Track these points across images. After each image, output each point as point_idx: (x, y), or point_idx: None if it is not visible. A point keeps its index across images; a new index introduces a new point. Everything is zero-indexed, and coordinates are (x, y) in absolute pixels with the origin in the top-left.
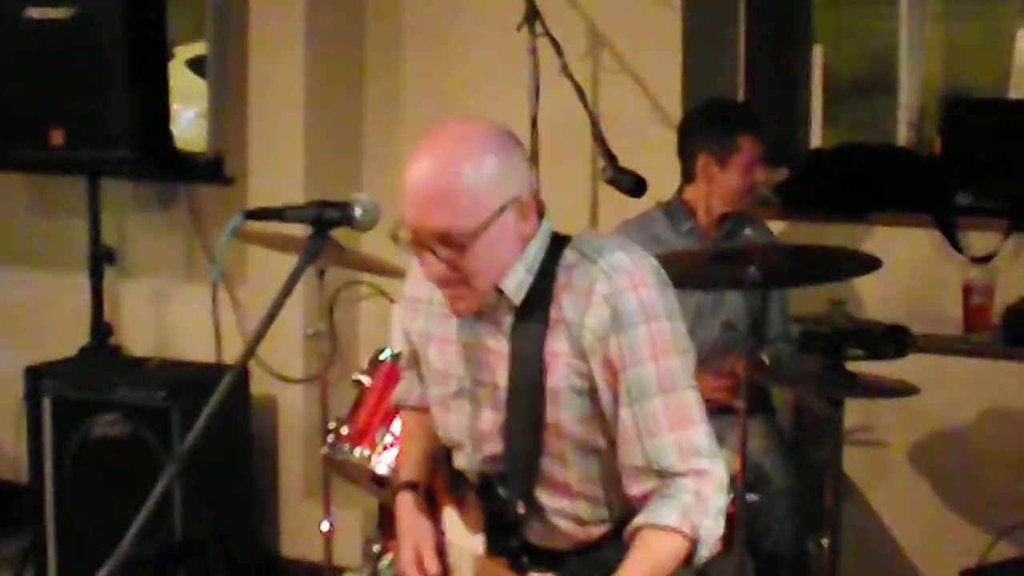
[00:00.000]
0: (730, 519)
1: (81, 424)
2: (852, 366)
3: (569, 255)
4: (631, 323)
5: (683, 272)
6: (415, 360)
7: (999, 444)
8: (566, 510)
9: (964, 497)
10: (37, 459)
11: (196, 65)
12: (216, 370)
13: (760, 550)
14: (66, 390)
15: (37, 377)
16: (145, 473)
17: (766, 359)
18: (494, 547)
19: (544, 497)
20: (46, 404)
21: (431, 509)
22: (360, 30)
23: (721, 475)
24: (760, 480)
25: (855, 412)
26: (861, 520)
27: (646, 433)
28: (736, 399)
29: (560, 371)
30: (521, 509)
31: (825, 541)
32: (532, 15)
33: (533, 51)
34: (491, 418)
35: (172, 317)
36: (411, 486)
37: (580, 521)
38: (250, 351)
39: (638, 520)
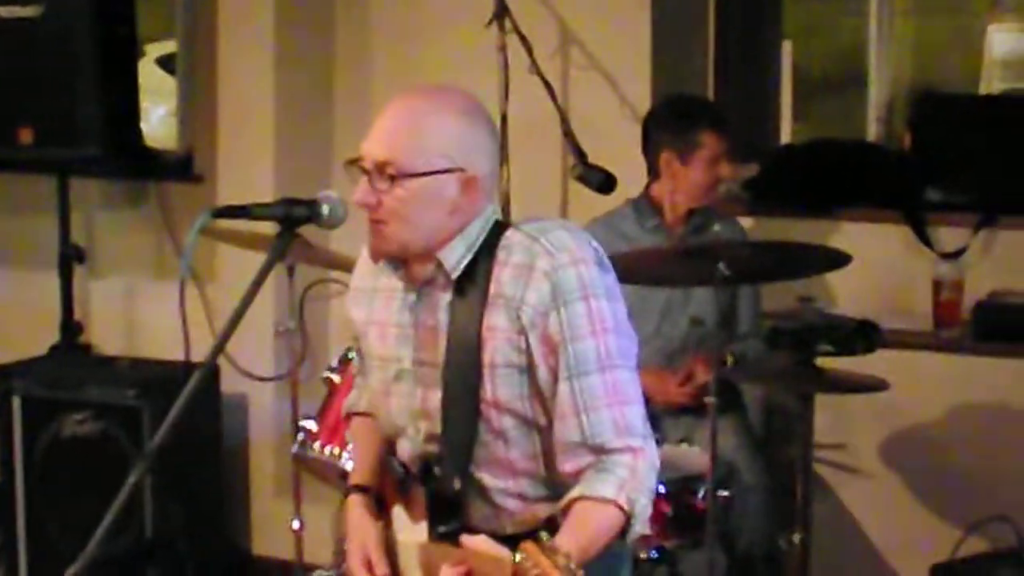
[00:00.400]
0: (701, 515)
1: (51, 423)
2: (822, 362)
3: (511, 235)
4: (571, 299)
5: (652, 268)
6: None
7: (969, 439)
8: (510, 489)
9: (934, 492)
10: (7, 458)
11: (166, 63)
12: (186, 368)
13: (734, 547)
14: (36, 389)
15: (7, 376)
16: (115, 472)
17: (729, 358)
18: (436, 530)
19: (488, 477)
20: (16, 403)
21: (380, 512)
22: (329, 28)
23: (654, 456)
24: (732, 477)
25: (825, 408)
26: (832, 516)
27: (583, 408)
28: (697, 402)
29: (498, 347)
30: (457, 485)
31: (796, 538)
32: (501, 12)
33: (502, 48)
34: (431, 397)
35: (142, 316)
36: (360, 489)
37: (524, 498)
38: (219, 349)
39: (574, 492)
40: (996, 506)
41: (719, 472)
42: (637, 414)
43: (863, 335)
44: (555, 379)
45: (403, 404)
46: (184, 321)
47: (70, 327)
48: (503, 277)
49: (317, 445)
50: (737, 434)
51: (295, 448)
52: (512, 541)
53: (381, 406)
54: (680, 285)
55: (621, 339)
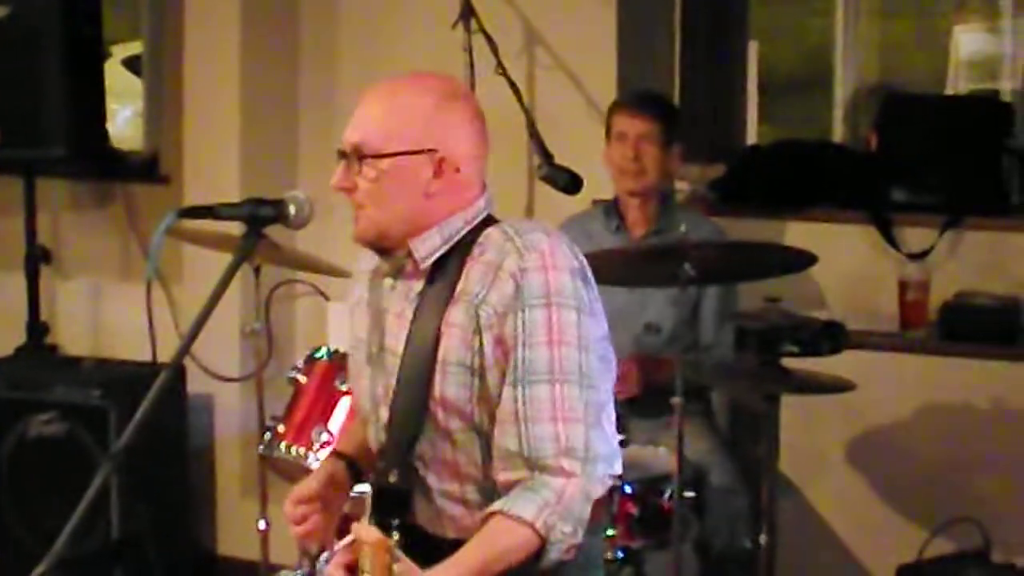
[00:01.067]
0: (667, 515)
1: (17, 423)
2: (788, 362)
3: (490, 231)
4: (533, 304)
5: (616, 269)
6: None
7: (935, 440)
8: (454, 492)
9: (901, 493)
10: None
11: (132, 64)
12: (152, 369)
13: (709, 549)
14: (2, 390)
15: None
16: (81, 472)
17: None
18: (377, 523)
19: (433, 478)
20: None
21: (350, 480)
22: (295, 28)
23: (589, 486)
24: (704, 480)
25: (791, 409)
26: (798, 517)
27: (525, 417)
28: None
29: (452, 344)
30: (393, 478)
31: (763, 539)
32: (467, 13)
33: (468, 49)
34: (388, 384)
35: (108, 316)
36: (338, 454)
37: (467, 504)
38: (185, 349)
39: (495, 505)
40: (963, 507)
41: (687, 474)
42: (582, 436)
43: (829, 336)
44: (501, 380)
45: (367, 387)
46: (151, 322)
47: (36, 328)
48: (472, 273)
49: (283, 445)
50: (706, 436)
51: (261, 448)
52: (454, 547)
53: (355, 387)
54: (644, 286)
55: (585, 356)
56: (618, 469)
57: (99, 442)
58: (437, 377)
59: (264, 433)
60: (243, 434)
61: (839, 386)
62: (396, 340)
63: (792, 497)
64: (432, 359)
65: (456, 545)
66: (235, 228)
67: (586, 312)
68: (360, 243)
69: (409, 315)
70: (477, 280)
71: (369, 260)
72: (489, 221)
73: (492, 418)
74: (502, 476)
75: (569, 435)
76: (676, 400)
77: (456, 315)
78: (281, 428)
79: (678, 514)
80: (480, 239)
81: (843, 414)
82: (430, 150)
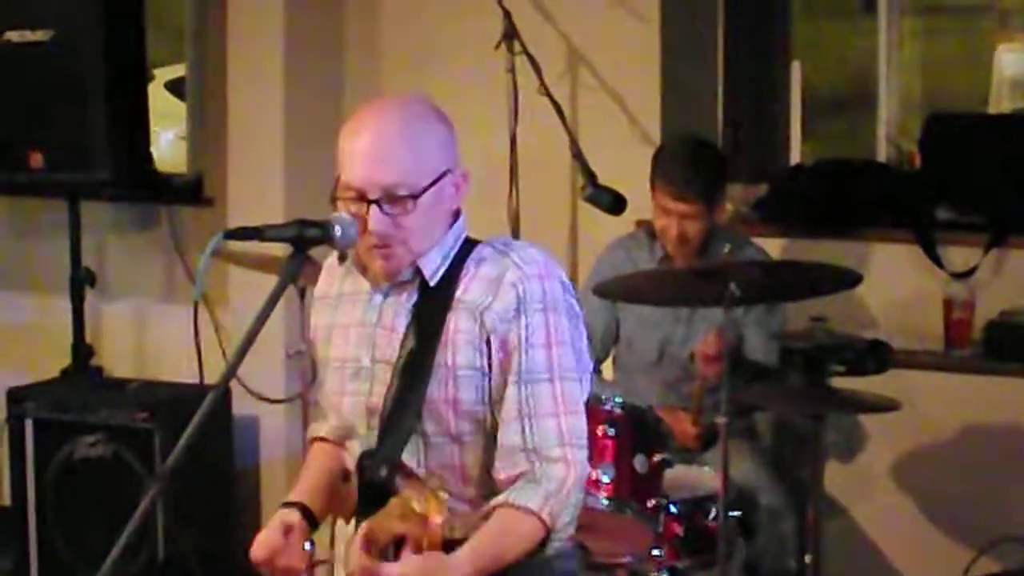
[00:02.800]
0: (712, 536)
1: (63, 446)
2: (833, 382)
3: (481, 248)
4: (533, 309)
5: (661, 289)
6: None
7: (980, 459)
8: (461, 494)
9: (946, 512)
10: (19, 481)
11: (175, 87)
12: (197, 391)
13: (755, 570)
14: (48, 412)
15: (19, 399)
16: (127, 494)
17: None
18: (359, 518)
19: (435, 481)
20: (28, 426)
21: (309, 528)
22: (338, 50)
23: (584, 470)
24: (752, 501)
25: (836, 428)
26: (844, 537)
27: (529, 414)
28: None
29: (461, 349)
30: (383, 472)
31: (808, 558)
32: (510, 34)
33: (511, 70)
34: (381, 393)
35: (153, 338)
36: (290, 504)
37: (474, 505)
38: (231, 371)
39: (499, 498)
40: (1008, 527)
41: (731, 493)
42: (580, 426)
43: (874, 355)
44: (506, 384)
45: (357, 402)
46: (198, 342)
47: (81, 350)
48: (471, 286)
49: None
50: (751, 457)
51: None
52: (460, 545)
53: (336, 408)
54: (689, 306)
55: (576, 354)
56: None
57: (144, 464)
58: (446, 380)
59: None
60: (288, 455)
61: (884, 405)
62: (390, 350)
63: (838, 517)
64: (430, 364)
65: (463, 543)
66: (280, 250)
67: (573, 316)
68: (392, 278)
69: (402, 326)
70: (479, 291)
71: (332, 286)
72: (470, 241)
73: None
74: (503, 474)
75: (571, 425)
76: (721, 420)
77: (460, 322)
78: None
79: (723, 534)
80: (472, 255)
81: (888, 433)
82: (449, 170)
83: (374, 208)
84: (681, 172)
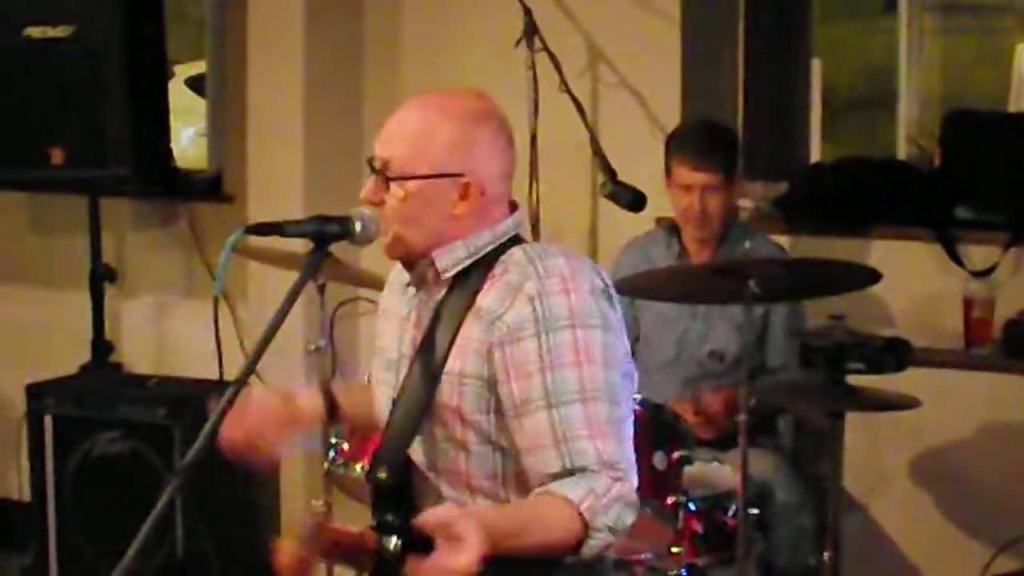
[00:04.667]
0: (732, 533)
1: (82, 442)
2: (852, 380)
3: (513, 251)
4: (557, 326)
5: (680, 286)
6: None
7: (1000, 457)
8: (466, 502)
9: (965, 510)
10: (39, 477)
11: (195, 84)
12: (217, 387)
13: (773, 567)
14: (67, 408)
15: (38, 395)
16: (146, 490)
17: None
18: (377, 522)
19: (446, 487)
20: (47, 422)
21: (319, 410)
22: (358, 47)
23: (633, 495)
24: (769, 498)
25: (855, 426)
26: (863, 534)
27: (563, 438)
28: (716, 433)
29: (469, 357)
30: (383, 475)
31: (827, 556)
32: (531, 31)
33: (532, 67)
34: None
35: (173, 335)
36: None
37: None
38: (251, 367)
39: (540, 489)
40: None
41: (750, 490)
42: (620, 450)
43: (894, 353)
44: (520, 403)
45: (385, 393)
46: (218, 338)
47: (101, 346)
48: (491, 291)
49: (347, 462)
50: (770, 454)
51: (326, 465)
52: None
53: (376, 395)
54: (708, 303)
55: (610, 373)
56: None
57: (164, 460)
58: (454, 388)
59: (328, 450)
60: (308, 451)
61: (904, 403)
62: (412, 348)
63: (856, 514)
64: (440, 368)
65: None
66: (300, 246)
67: (610, 330)
68: (389, 257)
69: (424, 325)
70: (496, 298)
71: (395, 272)
72: (516, 240)
73: (507, 434)
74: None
75: (607, 449)
76: (741, 418)
77: (473, 329)
78: (345, 445)
79: (742, 532)
80: (503, 258)
81: (907, 431)
82: (457, 174)
83: (372, 177)
84: (698, 143)
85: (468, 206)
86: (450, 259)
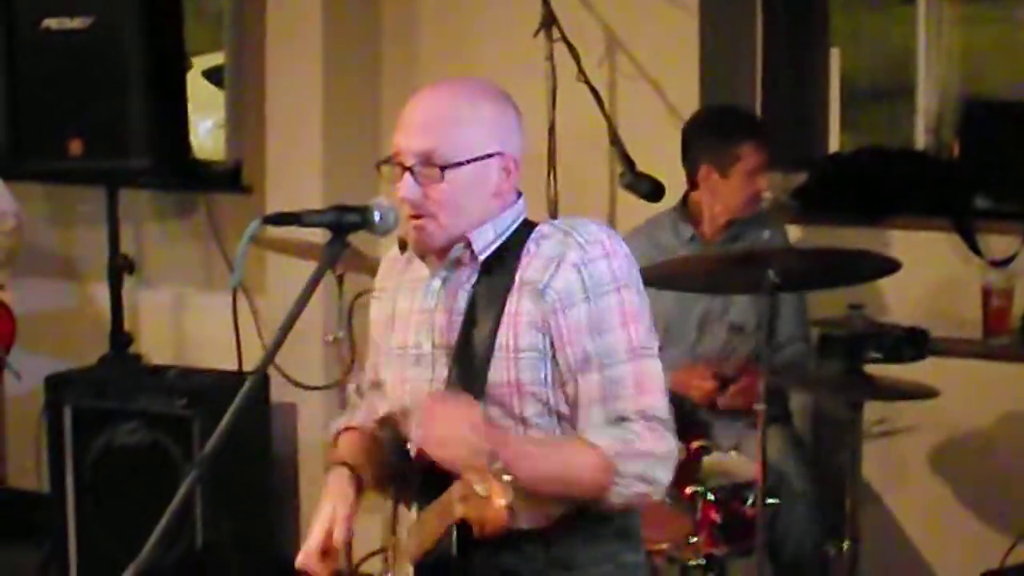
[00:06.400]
0: (750, 523)
1: (101, 433)
2: (871, 369)
3: (543, 227)
4: (603, 291)
5: (698, 276)
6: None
7: (1018, 446)
8: None
9: (984, 500)
10: (58, 468)
11: (213, 75)
12: (236, 378)
13: (781, 555)
14: (86, 399)
15: (58, 386)
16: (165, 481)
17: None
18: (422, 506)
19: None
20: (67, 413)
21: (359, 489)
22: (377, 39)
23: (671, 448)
24: (780, 485)
25: (874, 416)
26: (881, 524)
27: (611, 397)
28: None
29: (522, 331)
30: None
31: (845, 545)
32: (549, 21)
33: (550, 57)
34: (441, 377)
35: (191, 326)
36: (345, 464)
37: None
38: (269, 358)
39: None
40: None
41: (768, 480)
42: (663, 405)
43: (912, 342)
44: (577, 367)
45: (418, 388)
46: (236, 328)
47: (120, 337)
48: (531, 265)
49: None
50: (784, 442)
51: None
52: (523, 536)
53: (394, 397)
54: (727, 293)
55: (651, 331)
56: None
57: (183, 451)
58: (508, 364)
59: None
60: (326, 442)
61: (922, 393)
62: (450, 335)
63: (873, 503)
64: (491, 346)
65: (525, 535)
66: (318, 236)
67: (642, 291)
68: (424, 252)
69: (462, 308)
70: (538, 271)
71: (392, 277)
72: (528, 223)
73: (565, 399)
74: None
75: (652, 404)
76: (759, 407)
77: (522, 303)
78: None
79: (761, 521)
80: (534, 235)
81: (926, 421)
82: (498, 153)
83: (407, 175)
84: (760, 125)
85: (509, 182)
86: (484, 240)
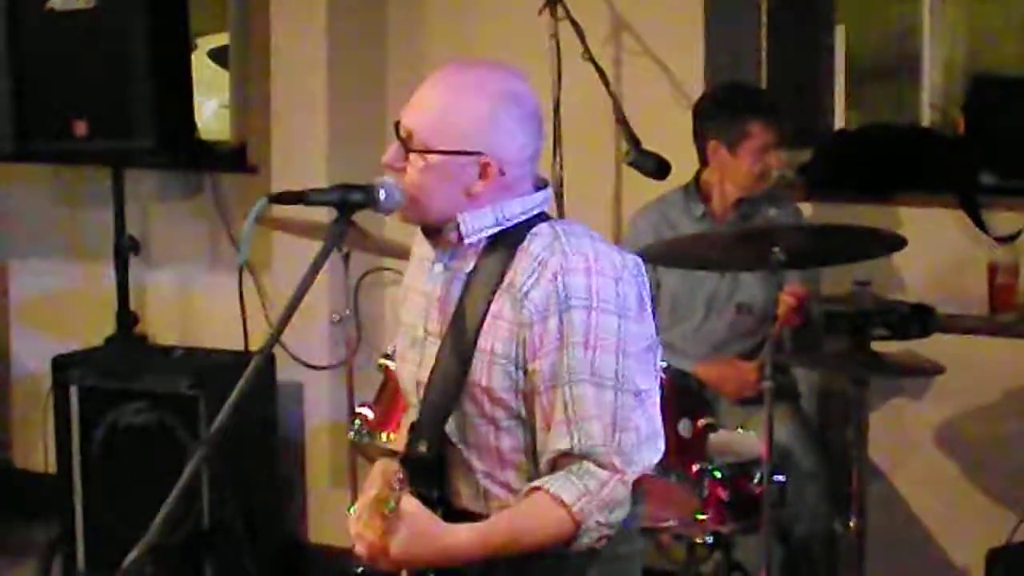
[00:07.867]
0: (757, 500)
1: (108, 413)
2: (877, 346)
3: (542, 226)
4: (574, 305)
5: (706, 253)
6: None
7: None
8: (496, 476)
9: (990, 477)
10: (64, 448)
11: (217, 56)
12: (242, 357)
13: (791, 535)
14: (92, 379)
15: (64, 367)
16: (172, 461)
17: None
18: (415, 496)
19: (475, 460)
20: (73, 393)
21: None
22: (382, 17)
23: (626, 493)
24: (789, 464)
25: (880, 393)
26: (887, 501)
27: (574, 416)
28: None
29: (499, 336)
30: (423, 448)
31: (852, 523)
32: (554, 0)
33: (555, 35)
34: (430, 366)
35: (197, 306)
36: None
37: (510, 489)
38: (275, 338)
39: (537, 481)
40: None
41: (776, 459)
42: (629, 440)
43: (918, 319)
44: (542, 382)
45: (411, 372)
46: (243, 307)
47: (126, 317)
48: (519, 265)
49: (373, 432)
50: (792, 420)
51: (351, 436)
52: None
53: (397, 373)
54: (734, 270)
55: (623, 361)
56: (658, 457)
57: (189, 431)
58: (484, 366)
59: (354, 420)
60: (333, 422)
61: (928, 369)
62: (440, 324)
63: (880, 481)
64: (473, 345)
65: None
66: (324, 215)
67: (629, 318)
68: (402, 220)
69: (455, 298)
70: (523, 273)
71: (420, 245)
72: (543, 217)
73: (533, 412)
74: (546, 469)
75: (614, 438)
76: (766, 384)
77: (503, 307)
78: (371, 415)
79: (768, 499)
80: (532, 230)
81: (932, 398)
82: (477, 153)
83: (396, 143)
84: (767, 102)
85: (486, 185)
86: (476, 224)
